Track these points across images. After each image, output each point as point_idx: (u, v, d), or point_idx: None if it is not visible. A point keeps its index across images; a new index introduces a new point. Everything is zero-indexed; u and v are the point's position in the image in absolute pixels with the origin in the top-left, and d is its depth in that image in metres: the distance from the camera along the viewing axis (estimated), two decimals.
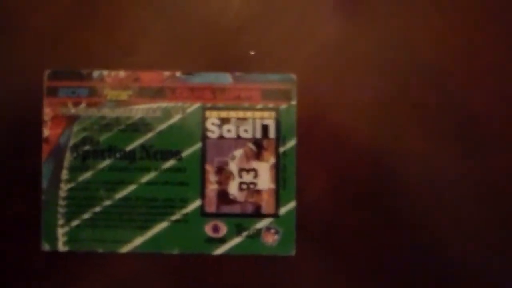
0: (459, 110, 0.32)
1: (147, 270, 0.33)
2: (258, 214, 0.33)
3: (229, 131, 0.33)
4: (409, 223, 0.33)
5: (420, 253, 0.33)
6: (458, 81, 0.32)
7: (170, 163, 0.33)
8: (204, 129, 0.33)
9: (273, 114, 0.33)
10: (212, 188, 0.33)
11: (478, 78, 0.33)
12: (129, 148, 0.33)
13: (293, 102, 0.33)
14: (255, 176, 0.33)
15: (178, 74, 0.33)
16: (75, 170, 0.33)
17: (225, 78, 0.33)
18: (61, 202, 0.33)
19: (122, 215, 0.33)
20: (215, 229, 0.33)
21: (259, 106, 0.33)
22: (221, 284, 0.33)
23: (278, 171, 0.33)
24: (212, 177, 0.33)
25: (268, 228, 0.33)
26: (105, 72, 0.33)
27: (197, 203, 0.33)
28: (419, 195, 0.33)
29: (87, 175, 0.33)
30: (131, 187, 0.33)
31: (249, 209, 0.33)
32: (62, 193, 0.33)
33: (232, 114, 0.33)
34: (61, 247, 0.33)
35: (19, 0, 0.33)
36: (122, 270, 0.33)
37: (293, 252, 0.33)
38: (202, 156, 0.33)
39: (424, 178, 0.33)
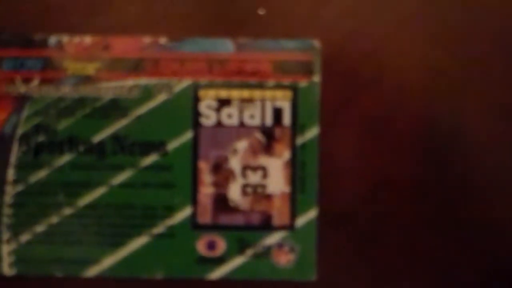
0: None
1: None
2: (267, 226, 0.30)
3: (229, 116, 0.30)
4: (471, 232, 0.31)
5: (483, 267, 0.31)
6: None
7: (151, 158, 0.30)
8: (197, 114, 0.30)
9: (288, 94, 0.30)
10: (206, 192, 0.30)
11: None
12: (96, 139, 0.30)
13: (316, 78, 0.31)
14: (264, 176, 0.30)
15: (162, 40, 0.31)
16: (25, 169, 0.31)
17: (225, 46, 0.31)
18: (7, 211, 0.30)
19: (88, 228, 0.30)
20: (211, 245, 0.30)
21: (271, 83, 0.30)
22: None
23: (295, 170, 0.30)
24: (206, 177, 0.30)
25: (280, 245, 0.30)
26: (65, 38, 0.31)
27: (186, 211, 0.30)
28: (481, 193, 0.31)
29: (41, 174, 0.30)
30: (100, 191, 0.30)
31: (256, 219, 0.30)
32: (8, 199, 0.30)
33: (234, 94, 0.30)
34: (7, 270, 0.31)
35: None
36: None
37: (313, 277, 0.30)
38: (194, 150, 0.30)
39: (489, 171, 0.31)
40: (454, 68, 0.31)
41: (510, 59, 0.31)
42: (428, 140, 0.30)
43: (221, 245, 0.30)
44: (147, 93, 0.30)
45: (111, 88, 0.30)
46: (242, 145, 0.30)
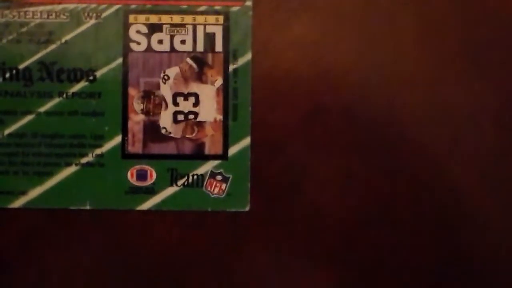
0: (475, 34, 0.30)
1: (48, 233, 0.30)
2: (199, 155, 0.30)
3: (160, 42, 0.29)
4: (407, 171, 0.30)
5: (419, 214, 0.30)
6: None
7: (79, 85, 0.29)
8: (127, 40, 0.29)
9: (221, 18, 0.30)
10: (137, 120, 0.29)
11: None
12: (22, 65, 0.29)
13: (248, 3, 0.30)
14: (196, 103, 0.30)
15: None
16: None
17: None
18: None
19: (13, 158, 0.29)
20: (141, 175, 0.30)
21: (202, 7, 0.30)
22: (149, 250, 0.30)
23: (227, 97, 0.30)
24: (137, 105, 0.29)
25: (213, 174, 0.30)
26: None
27: (116, 140, 0.30)
28: (421, 136, 0.30)
29: None
30: (26, 119, 0.29)
31: (188, 148, 0.30)
32: None
33: (165, 18, 0.29)
34: None
35: None
36: (13, 232, 0.30)
37: (246, 207, 0.30)
38: (124, 77, 0.29)
39: (432, 119, 0.30)
40: None
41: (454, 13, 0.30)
42: (365, 67, 0.29)
43: (152, 175, 0.29)
44: (76, 18, 0.29)
45: (38, 12, 0.29)
46: (173, 71, 0.29)
